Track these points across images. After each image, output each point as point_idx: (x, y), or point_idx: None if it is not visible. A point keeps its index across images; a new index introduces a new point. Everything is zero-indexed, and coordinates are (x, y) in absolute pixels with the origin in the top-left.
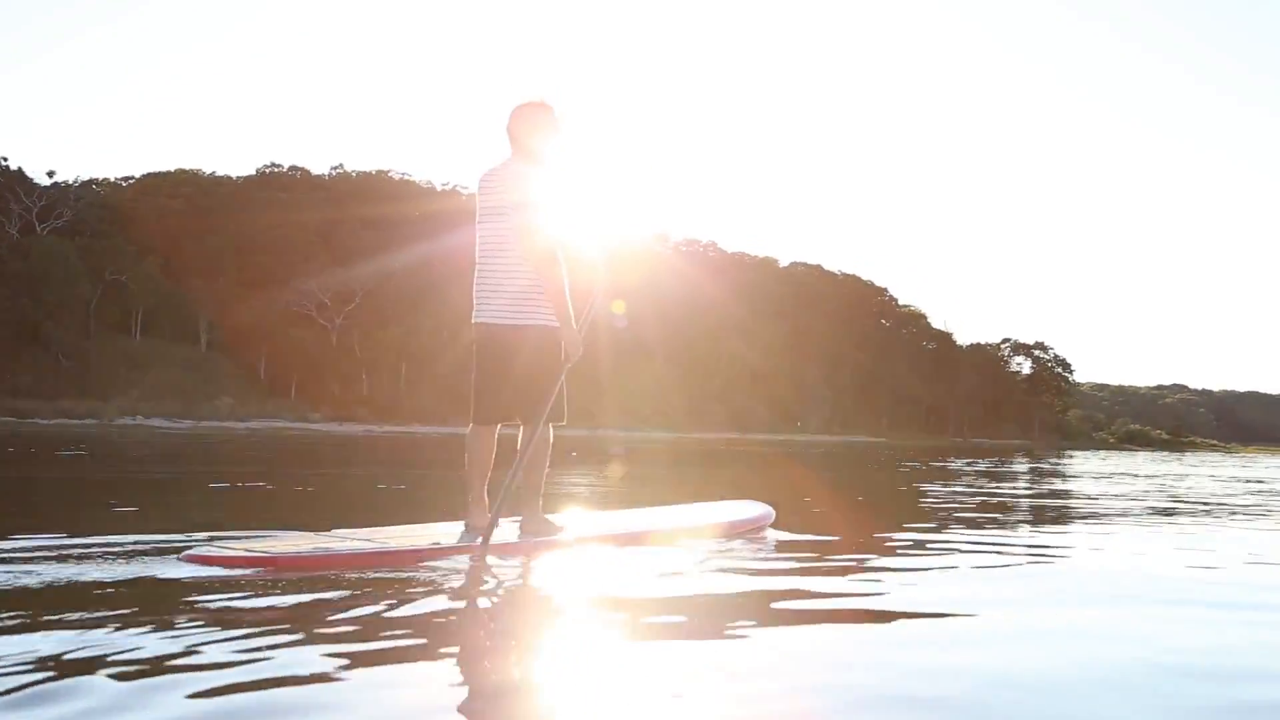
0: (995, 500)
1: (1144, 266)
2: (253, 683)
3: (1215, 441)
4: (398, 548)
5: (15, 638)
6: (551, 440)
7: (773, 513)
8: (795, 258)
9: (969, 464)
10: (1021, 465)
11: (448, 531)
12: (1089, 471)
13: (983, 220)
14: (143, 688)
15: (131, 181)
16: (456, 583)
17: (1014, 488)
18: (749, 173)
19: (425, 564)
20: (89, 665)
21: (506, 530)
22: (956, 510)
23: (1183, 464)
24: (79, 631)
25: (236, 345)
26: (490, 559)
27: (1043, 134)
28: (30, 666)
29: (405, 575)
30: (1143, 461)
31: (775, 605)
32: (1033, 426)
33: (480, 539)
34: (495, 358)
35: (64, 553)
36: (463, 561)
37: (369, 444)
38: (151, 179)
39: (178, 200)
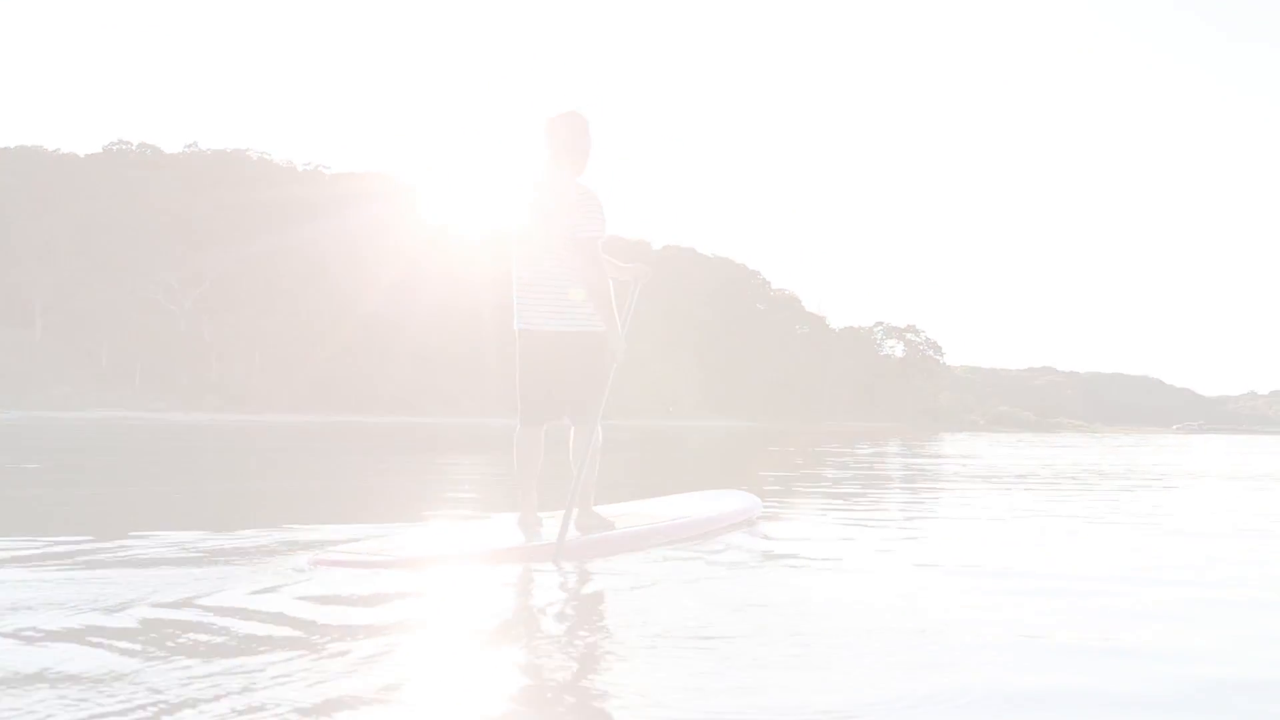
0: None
1: (1014, 250)
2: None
3: (1080, 422)
4: (495, 548)
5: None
6: (602, 439)
7: (759, 502)
8: (668, 241)
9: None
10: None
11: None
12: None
13: (855, 203)
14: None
15: None
16: (527, 584)
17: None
18: (622, 155)
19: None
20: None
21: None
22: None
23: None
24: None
25: (75, 331)
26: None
27: (910, 119)
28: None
29: (498, 575)
30: (987, 446)
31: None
32: (905, 409)
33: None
34: (547, 362)
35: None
36: (536, 563)
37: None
38: None
39: (14, 178)
